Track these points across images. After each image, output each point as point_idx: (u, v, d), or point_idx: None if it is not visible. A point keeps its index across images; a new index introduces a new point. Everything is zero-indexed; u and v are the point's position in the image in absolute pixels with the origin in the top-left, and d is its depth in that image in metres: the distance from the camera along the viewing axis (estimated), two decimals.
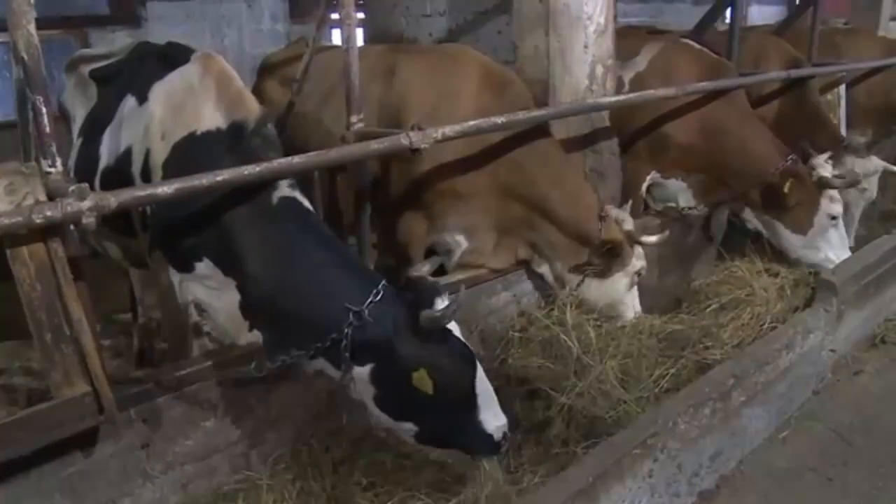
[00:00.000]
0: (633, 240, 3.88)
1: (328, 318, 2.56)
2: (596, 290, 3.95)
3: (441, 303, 2.58)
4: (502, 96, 3.84)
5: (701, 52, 5.13)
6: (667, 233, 4.03)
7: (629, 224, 3.93)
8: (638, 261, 3.95)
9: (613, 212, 3.96)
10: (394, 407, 2.65)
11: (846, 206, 5.24)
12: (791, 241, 4.90)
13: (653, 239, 3.93)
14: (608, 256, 3.83)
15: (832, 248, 4.86)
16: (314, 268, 2.65)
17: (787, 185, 4.65)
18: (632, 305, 4.07)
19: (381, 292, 2.58)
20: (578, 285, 3.95)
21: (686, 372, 3.71)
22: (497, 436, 2.69)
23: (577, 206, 3.87)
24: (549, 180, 3.83)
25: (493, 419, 2.68)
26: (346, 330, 2.53)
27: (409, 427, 2.68)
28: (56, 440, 2.40)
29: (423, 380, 2.50)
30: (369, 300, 2.54)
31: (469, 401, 2.64)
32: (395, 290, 2.66)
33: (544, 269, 4.09)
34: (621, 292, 3.97)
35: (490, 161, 3.80)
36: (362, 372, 2.60)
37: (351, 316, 2.52)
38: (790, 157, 4.82)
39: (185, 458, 2.87)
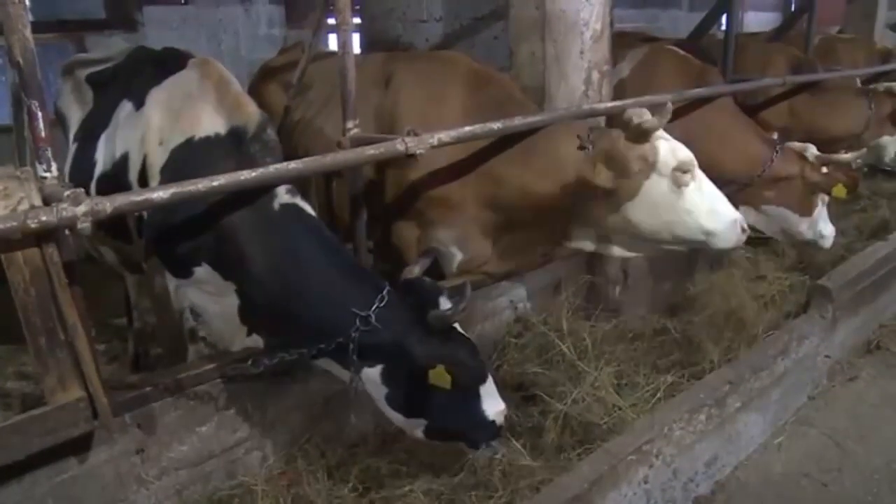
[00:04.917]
0: (630, 127, 3.22)
1: (334, 323, 2.62)
2: (639, 211, 3.34)
3: (445, 302, 2.67)
4: (484, 94, 3.76)
5: (685, 59, 5.09)
6: (669, 111, 3.23)
7: (638, 118, 3.18)
8: (675, 155, 3.25)
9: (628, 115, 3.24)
10: (406, 404, 2.71)
11: None
12: (799, 224, 4.86)
13: (649, 119, 3.16)
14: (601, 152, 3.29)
15: (827, 223, 4.88)
16: (319, 273, 2.68)
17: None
18: (711, 211, 3.29)
19: (387, 297, 2.64)
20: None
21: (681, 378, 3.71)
22: (499, 421, 2.78)
23: (556, 181, 3.51)
24: (519, 185, 3.59)
25: (493, 405, 2.76)
26: (353, 334, 2.58)
27: (419, 423, 2.73)
28: (50, 445, 2.39)
29: (440, 375, 2.57)
30: (376, 305, 2.60)
31: (476, 391, 2.72)
32: (398, 293, 2.71)
33: (585, 244, 3.67)
34: (670, 198, 3.27)
35: (467, 172, 3.68)
36: (373, 373, 2.67)
37: (358, 321, 2.58)
38: (778, 146, 4.80)
39: (179, 463, 2.86)
